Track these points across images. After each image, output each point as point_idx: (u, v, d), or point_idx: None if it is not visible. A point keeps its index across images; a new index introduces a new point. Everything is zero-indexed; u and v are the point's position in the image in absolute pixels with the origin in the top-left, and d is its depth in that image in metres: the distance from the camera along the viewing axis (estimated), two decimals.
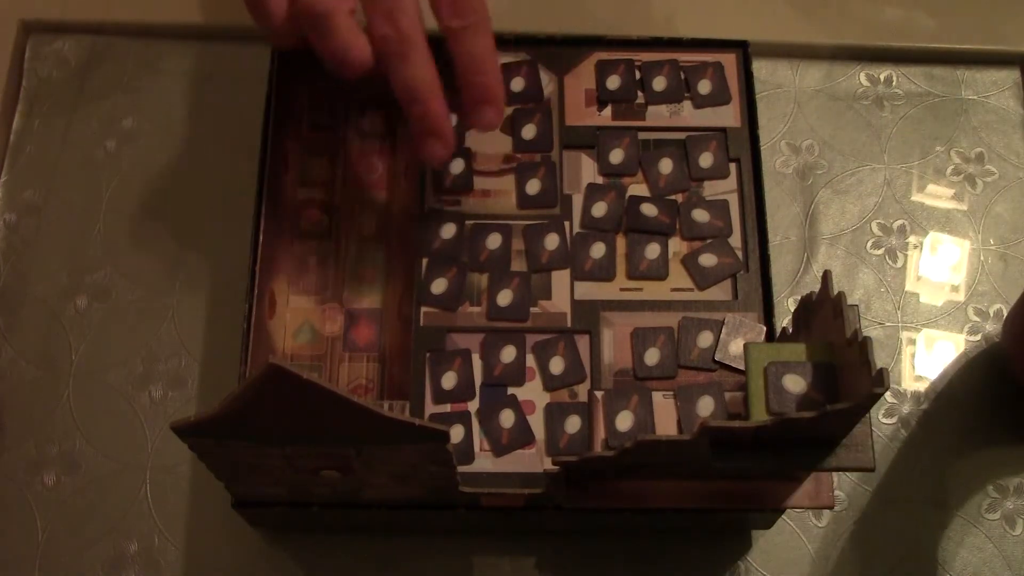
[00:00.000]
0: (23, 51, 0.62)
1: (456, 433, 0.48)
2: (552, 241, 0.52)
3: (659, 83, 0.55)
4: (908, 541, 0.53)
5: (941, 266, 0.58)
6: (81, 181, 0.59)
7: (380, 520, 0.50)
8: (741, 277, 0.51)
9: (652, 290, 0.51)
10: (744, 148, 0.54)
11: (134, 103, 0.61)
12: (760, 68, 0.62)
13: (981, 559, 0.53)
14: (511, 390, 0.49)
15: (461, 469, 0.46)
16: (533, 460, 0.48)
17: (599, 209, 0.53)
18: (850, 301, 0.43)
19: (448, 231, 0.52)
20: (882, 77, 0.63)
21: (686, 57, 0.56)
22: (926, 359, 0.57)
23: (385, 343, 0.54)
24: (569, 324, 0.50)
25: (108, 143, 0.60)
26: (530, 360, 0.49)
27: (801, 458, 0.40)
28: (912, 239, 0.59)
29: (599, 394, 0.49)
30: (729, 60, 0.56)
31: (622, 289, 0.51)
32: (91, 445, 0.54)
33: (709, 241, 0.52)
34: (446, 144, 0.48)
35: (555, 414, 0.48)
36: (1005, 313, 0.57)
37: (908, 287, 0.58)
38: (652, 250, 0.51)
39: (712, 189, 0.53)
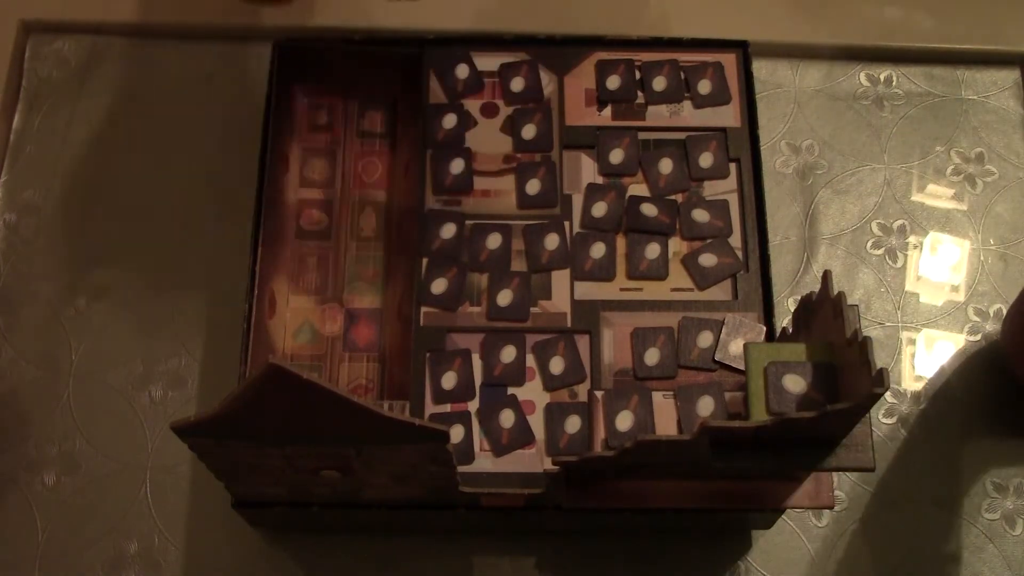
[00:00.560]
0: (23, 51, 0.62)
1: (456, 433, 0.48)
2: (552, 241, 0.52)
3: (659, 83, 0.55)
4: (908, 541, 0.53)
5: (941, 266, 0.58)
6: (81, 181, 0.59)
7: (380, 520, 0.50)
8: (741, 277, 0.51)
9: (652, 290, 0.51)
10: (744, 148, 0.54)
11: (134, 103, 0.61)
12: (760, 68, 0.62)
13: (981, 559, 0.53)
14: (511, 390, 0.49)
15: (461, 469, 0.46)
16: (533, 460, 0.48)
17: (599, 209, 0.53)
18: (850, 301, 0.43)
19: (448, 231, 0.52)
20: (882, 77, 0.63)
21: (686, 57, 0.56)
22: (926, 359, 0.57)
23: (385, 343, 0.54)
24: (569, 324, 0.50)
25: (108, 142, 0.60)
26: (530, 360, 0.49)
27: (801, 458, 0.40)
28: (912, 239, 0.59)
29: (599, 394, 0.49)
30: (729, 60, 0.56)
31: (622, 289, 0.51)
32: (91, 445, 0.54)
33: (709, 241, 0.52)
34: None
35: (555, 414, 0.48)
36: (1005, 313, 0.57)
37: (908, 287, 0.58)
38: (652, 250, 0.51)
39: (712, 189, 0.53)
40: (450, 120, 0.54)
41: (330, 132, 0.58)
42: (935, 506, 0.53)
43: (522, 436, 0.48)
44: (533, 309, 0.50)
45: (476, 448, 0.48)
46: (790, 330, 0.46)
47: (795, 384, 0.41)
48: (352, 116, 0.58)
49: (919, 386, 0.56)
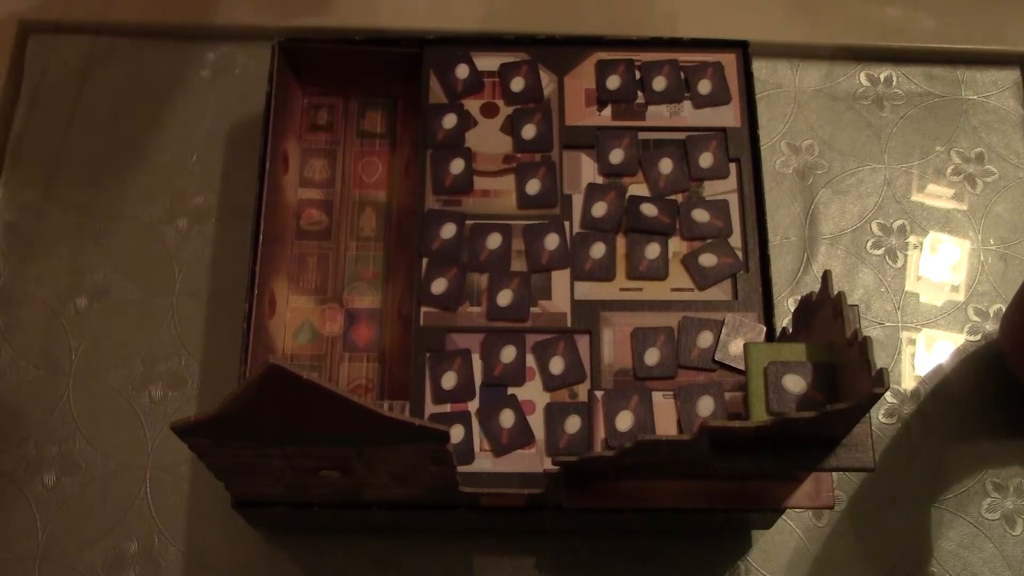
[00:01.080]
0: (23, 51, 0.62)
1: (456, 433, 0.48)
2: (552, 241, 0.52)
3: (659, 83, 0.55)
4: (908, 541, 0.53)
5: (941, 266, 0.58)
6: (81, 181, 0.59)
7: (380, 520, 0.50)
8: (741, 277, 0.51)
9: (652, 290, 0.51)
10: (744, 148, 0.54)
11: (134, 104, 0.61)
12: (760, 68, 0.62)
13: (981, 559, 0.53)
14: (511, 390, 0.49)
15: (461, 469, 0.46)
16: (533, 460, 0.48)
17: (599, 209, 0.53)
18: (850, 301, 0.43)
19: (448, 231, 0.52)
20: (882, 77, 0.63)
21: (686, 57, 0.56)
22: (926, 359, 0.57)
23: (385, 343, 0.54)
24: (569, 324, 0.50)
25: (108, 142, 0.60)
26: (530, 360, 0.49)
27: (801, 458, 0.40)
28: (912, 239, 0.59)
29: (599, 394, 0.49)
30: (729, 60, 0.56)
31: (622, 289, 0.51)
32: (91, 445, 0.54)
33: (709, 241, 0.52)
34: None
35: (555, 414, 0.48)
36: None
37: (908, 287, 0.58)
38: (652, 250, 0.51)
39: (712, 189, 0.53)
40: (450, 120, 0.54)
41: (330, 132, 0.58)
42: (935, 506, 0.53)
43: (522, 436, 0.48)
44: (533, 309, 0.50)
45: (476, 448, 0.48)
46: (790, 330, 0.46)
47: (795, 384, 0.41)
48: (352, 116, 0.58)
49: (919, 386, 0.56)
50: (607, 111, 0.55)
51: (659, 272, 0.51)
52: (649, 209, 0.52)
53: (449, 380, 0.49)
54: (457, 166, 0.53)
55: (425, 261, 0.51)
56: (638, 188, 0.53)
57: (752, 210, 0.53)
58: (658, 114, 0.55)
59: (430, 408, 0.49)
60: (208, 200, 0.59)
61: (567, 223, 0.52)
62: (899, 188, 0.60)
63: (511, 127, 0.54)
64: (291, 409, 0.37)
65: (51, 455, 0.54)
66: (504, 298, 0.50)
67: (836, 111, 0.62)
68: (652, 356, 0.49)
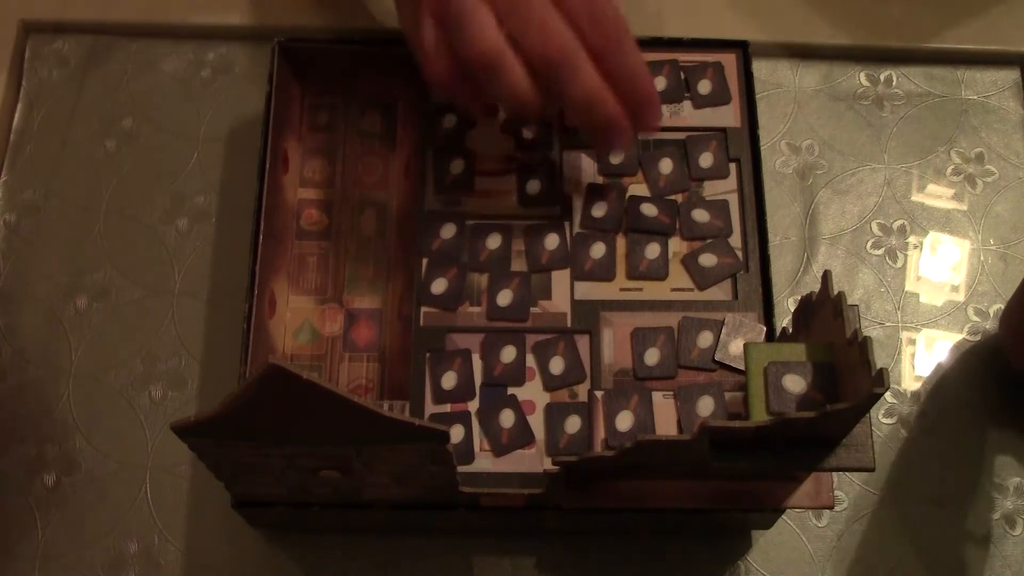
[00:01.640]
0: (23, 51, 0.62)
1: (456, 433, 0.48)
2: (552, 241, 0.52)
3: (659, 83, 0.55)
4: (908, 541, 0.53)
5: (941, 266, 0.58)
6: (81, 181, 0.59)
7: (380, 520, 0.50)
8: (741, 277, 0.51)
9: (652, 290, 0.51)
10: (744, 148, 0.54)
11: (134, 103, 0.61)
12: (760, 68, 0.62)
13: (981, 559, 0.53)
14: (511, 390, 0.49)
15: (461, 469, 0.46)
16: (533, 460, 0.48)
17: (599, 209, 0.53)
18: (850, 301, 0.43)
19: (448, 231, 0.52)
20: (882, 77, 0.63)
21: (686, 57, 0.56)
22: (926, 359, 0.57)
23: (385, 343, 0.54)
24: (569, 324, 0.50)
25: (108, 143, 0.60)
26: (530, 360, 0.49)
27: (801, 458, 0.40)
28: (912, 239, 0.59)
29: (599, 394, 0.49)
30: (729, 60, 0.56)
31: (622, 289, 0.51)
32: (91, 445, 0.54)
33: (709, 241, 0.52)
34: (628, 131, 0.47)
35: (555, 414, 0.48)
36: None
37: (908, 287, 0.58)
38: (652, 250, 0.51)
39: (712, 189, 0.53)
40: (450, 120, 0.54)
41: (330, 132, 0.58)
42: (935, 506, 0.53)
43: (522, 436, 0.48)
44: (533, 309, 0.50)
45: (476, 448, 0.48)
46: (790, 330, 0.46)
47: (795, 384, 0.41)
48: (352, 116, 0.58)
49: (919, 386, 0.56)
50: None
51: (659, 272, 0.51)
52: (649, 209, 0.52)
53: (449, 380, 0.49)
54: (457, 166, 0.53)
55: (425, 261, 0.51)
56: (638, 188, 0.53)
57: (752, 210, 0.53)
58: None
59: (430, 408, 0.49)
60: (208, 200, 0.59)
61: (567, 223, 0.52)
62: (899, 188, 0.60)
63: (511, 127, 0.54)
64: (291, 409, 0.37)
65: (51, 455, 0.54)
66: (504, 298, 0.50)
67: (836, 111, 0.62)
68: (652, 356, 0.49)
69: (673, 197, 0.53)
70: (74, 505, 0.53)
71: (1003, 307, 0.57)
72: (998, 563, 0.52)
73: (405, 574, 0.52)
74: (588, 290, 0.51)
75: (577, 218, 0.52)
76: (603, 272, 0.51)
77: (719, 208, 0.53)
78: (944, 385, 0.56)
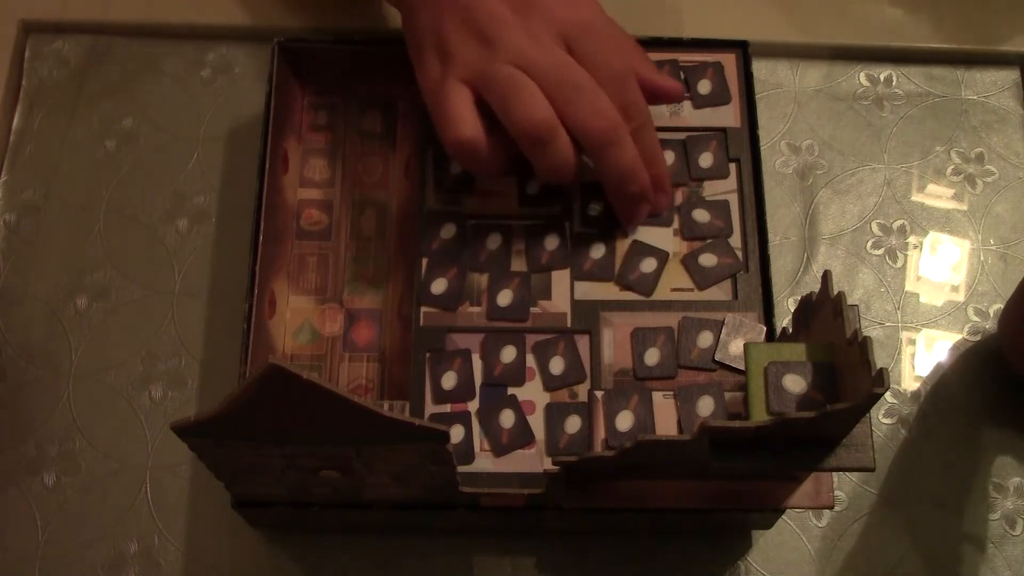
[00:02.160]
0: (23, 51, 0.62)
1: (456, 433, 0.48)
2: (552, 241, 0.52)
3: None
4: (908, 541, 0.53)
5: (941, 266, 0.58)
6: (81, 181, 0.59)
7: (380, 520, 0.50)
8: (741, 277, 0.51)
9: None
10: (744, 148, 0.54)
11: (134, 103, 0.61)
12: (760, 68, 0.62)
13: (981, 559, 0.53)
14: (511, 390, 0.49)
15: (461, 469, 0.46)
16: (533, 460, 0.48)
17: (599, 209, 0.52)
18: (850, 301, 0.43)
19: (448, 231, 0.52)
20: (882, 77, 0.63)
21: (686, 57, 0.56)
22: (926, 359, 0.57)
23: (385, 343, 0.54)
24: (569, 324, 0.50)
25: (108, 143, 0.60)
26: (530, 360, 0.49)
27: (801, 458, 0.40)
28: (912, 239, 0.59)
29: (599, 394, 0.49)
30: (729, 60, 0.56)
31: (622, 289, 0.51)
32: (91, 445, 0.54)
33: (709, 241, 0.52)
34: (652, 206, 0.51)
35: (555, 414, 0.48)
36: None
37: (908, 287, 0.58)
38: (648, 264, 0.51)
39: (712, 189, 0.53)
40: None
41: (330, 132, 0.58)
42: (935, 506, 0.53)
43: (522, 436, 0.48)
44: (533, 309, 0.50)
45: (476, 448, 0.48)
46: (790, 330, 0.46)
47: (795, 384, 0.41)
48: (352, 116, 0.58)
49: (919, 386, 0.56)
50: None
51: (646, 287, 0.50)
52: None
53: (449, 380, 0.49)
54: (457, 166, 0.53)
55: (425, 261, 0.51)
56: None
57: (752, 210, 0.52)
58: (658, 114, 0.55)
59: (430, 408, 0.49)
60: (208, 200, 0.59)
61: (567, 223, 0.52)
62: (899, 188, 0.60)
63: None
64: (291, 409, 0.37)
65: (51, 455, 0.54)
66: (504, 298, 0.50)
67: (836, 111, 0.62)
68: (652, 356, 0.49)
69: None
70: (74, 505, 0.53)
71: (1003, 307, 0.57)
72: (998, 563, 0.52)
73: (405, 574, 0.52)
74: (588, 290, 0.51)
75: (577, 218, 0.52)
76: (603, 272, 0.51)
77: (719, 208, 0.53)
78: (944, 385, 0.56)
